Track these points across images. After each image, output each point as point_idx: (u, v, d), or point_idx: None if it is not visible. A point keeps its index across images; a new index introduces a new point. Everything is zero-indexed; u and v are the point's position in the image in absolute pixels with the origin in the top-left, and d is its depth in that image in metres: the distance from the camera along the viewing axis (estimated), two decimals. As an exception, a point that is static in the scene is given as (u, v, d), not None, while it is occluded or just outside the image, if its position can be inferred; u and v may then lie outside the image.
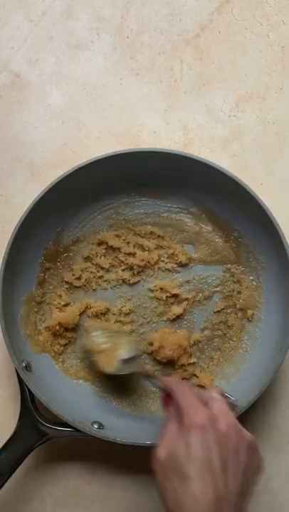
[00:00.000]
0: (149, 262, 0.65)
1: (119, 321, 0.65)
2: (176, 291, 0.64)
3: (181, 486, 0.44)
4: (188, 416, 0.46)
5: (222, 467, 0.44)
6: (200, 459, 0.44)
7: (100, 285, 0.65)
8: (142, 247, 0.65)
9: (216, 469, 0.44)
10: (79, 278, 0.65)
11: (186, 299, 0.65)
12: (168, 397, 0.51)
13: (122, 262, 0.65)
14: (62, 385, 0.63)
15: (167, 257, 0.65)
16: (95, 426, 0.60)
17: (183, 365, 0.64)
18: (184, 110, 0.66)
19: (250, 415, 0.65)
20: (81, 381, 0.64)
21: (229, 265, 0.65)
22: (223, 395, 0.50)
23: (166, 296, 0.64)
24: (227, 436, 0.45)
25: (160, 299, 0.65)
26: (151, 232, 0.65)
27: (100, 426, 0.60)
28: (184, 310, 0.65)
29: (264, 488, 0.65)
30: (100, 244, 0.65)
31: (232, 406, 0.50)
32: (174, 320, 0.65)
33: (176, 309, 0.64)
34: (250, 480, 0.46)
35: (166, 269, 0.65)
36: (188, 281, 0.65)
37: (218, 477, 0.44)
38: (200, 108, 0.66)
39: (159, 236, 0.65)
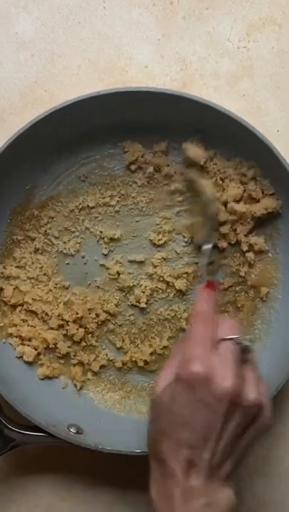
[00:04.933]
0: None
1: None
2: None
3: (159, 434, 0.45)
4: (187, 361, 0.45)
5: (204, 434, 0.43)
6: (179, 414, 0.44)
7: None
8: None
9: (197, 434, 0.44)
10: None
11: (186, 273, 0.61)
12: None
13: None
14: (31, 381, 0.60)
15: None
16: (72, 430, 0.58)
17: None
18: (182, 40, 0.61)
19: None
20: (55, 375, 0.62)
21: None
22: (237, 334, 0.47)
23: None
24: (220, 401, 0.43)
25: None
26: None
27: (78, 430, 0.59)
28: (185, 287, 0.61)
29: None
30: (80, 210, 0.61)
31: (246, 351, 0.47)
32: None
33: (180, 284, 0.61)
34: (242, 446, 0.45)
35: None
36: (187, 253, 0.61)
37: (197, 442, 0.43)
38: (202, 37, 0.61)
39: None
